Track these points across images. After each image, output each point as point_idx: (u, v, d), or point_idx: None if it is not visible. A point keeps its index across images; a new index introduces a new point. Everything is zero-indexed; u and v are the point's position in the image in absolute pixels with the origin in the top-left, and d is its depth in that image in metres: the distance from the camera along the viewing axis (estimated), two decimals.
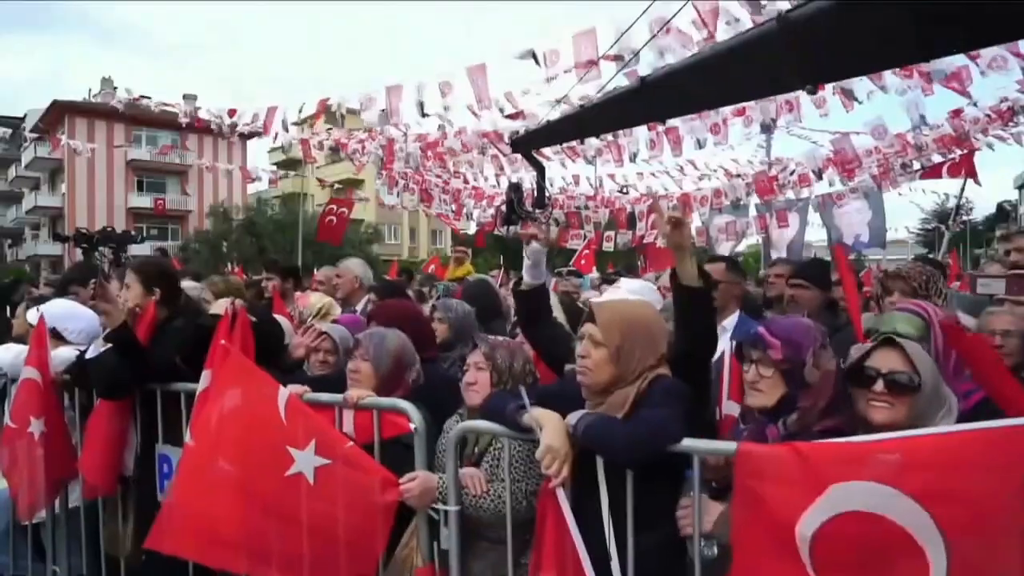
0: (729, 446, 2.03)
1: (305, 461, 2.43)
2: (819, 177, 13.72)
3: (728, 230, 16.88)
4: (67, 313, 4.19)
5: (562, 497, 2.16)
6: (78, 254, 11.12)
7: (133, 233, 11.86)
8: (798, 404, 2.16)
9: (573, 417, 2.19)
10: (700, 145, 10.21)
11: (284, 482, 2.46)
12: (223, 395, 2.76)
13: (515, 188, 7.02)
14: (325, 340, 3.72)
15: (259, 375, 2.63)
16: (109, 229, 11.23)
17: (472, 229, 19.99)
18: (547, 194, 7.68)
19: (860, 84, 9.33)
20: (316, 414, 2.55)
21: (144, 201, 44.92)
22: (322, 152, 14.16)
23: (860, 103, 9.24)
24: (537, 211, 7.22)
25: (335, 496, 2.42)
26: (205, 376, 2.90)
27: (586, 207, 17.17)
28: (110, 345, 3.37)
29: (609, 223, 17.57)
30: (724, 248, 17.86)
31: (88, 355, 3.51)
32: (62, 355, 3.95)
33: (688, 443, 2.08)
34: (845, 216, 15.57)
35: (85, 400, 3.87)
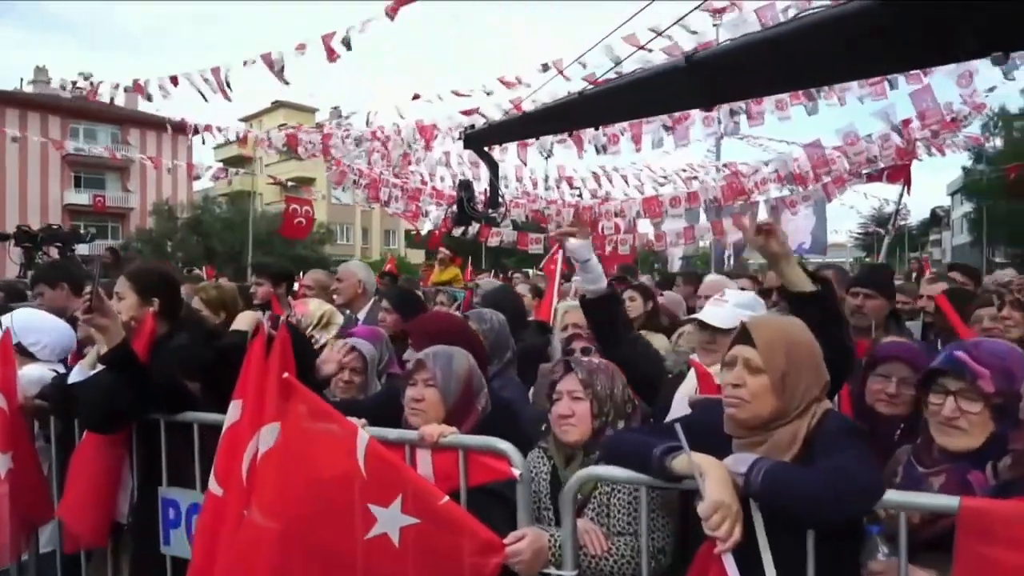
0: (950, 501, 1.61)
1: (389, 520, 1.90)
2: (789, 182, 13.74)
3: (686, 235, 16.89)
4: (35, 324, 3.52)
5: (730, 564, 1.70)
6: (18, 254, 10.09)
7: (82, 231, 10.82)
8: (1011, 445, 1.77)
9: (740, 463, 1.74)
10: (666, 129, 9.86)
11: (364, 546, 1.92)
12: (266, 433, 2.20)
13: (465, 187, 6.40)
14: (355, 356, 3.19)
15: (329, 414, 2.08)
16: (55, 227, 10.21)
17: (427, 228, 19.38)
18: (500, 193, 7.02)
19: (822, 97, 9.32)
20: (402, 461, 2.02)
21: (82, 198, 42.21)
22: (271, 148, 13.48)
23: (816, 99, 9.19)
24: (491, 211, 6.62)
25: (423, 561, 1.90)
26: (235, 408, 2.33)
27: (547, 208, 16.82)
28: (100, 367, 2.77)
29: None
30: (677, 252, 17.73)
31: (73, 377, 2.89)
32: (32, 375, 3.29)
33: (895, 497, 1.66)
34: (791, 223, 15.75)
35: (60, 429, 3.23)
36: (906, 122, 11.68)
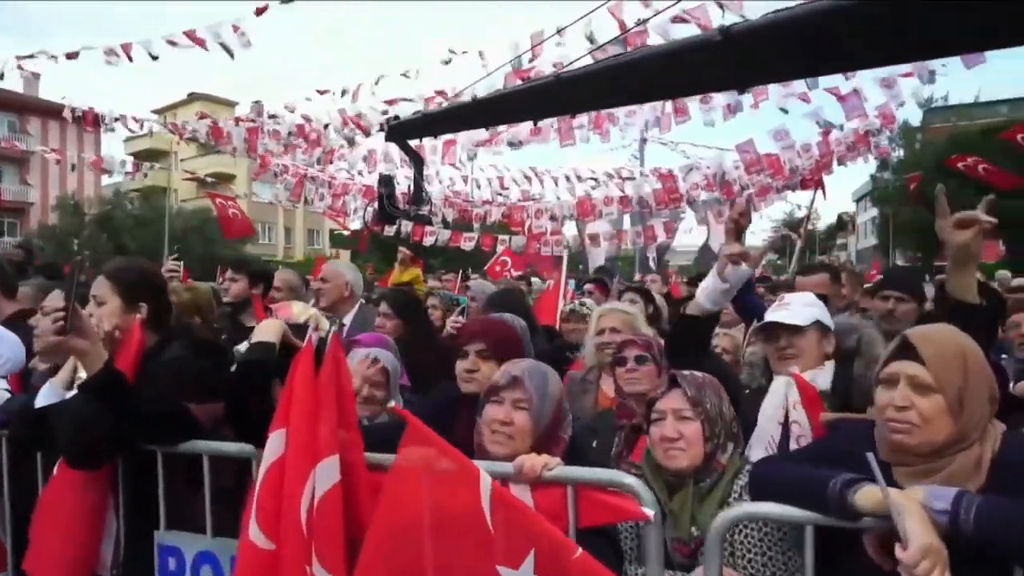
0: None
1: None
2: (720, 186, 13.92)
3: (619, 237, 16.99)
4: None
5: None
6: None
7: None
8: None
9: (937, 498, 1.46)
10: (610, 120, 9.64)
11: None
12: (323, 470, 1.76)
13: (385, 182, 5.88)
14: (377, 369, 2.76)
15: (445, 450, 1.65)
16: None
17: (355, 226, 18.62)
18: (424, 190, 6.45)
19: (747, 97, 9.55)
20: (530, 508, 1.63)
21: None
22: (189, 137, 12.62)
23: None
24: (413, 208, 6.13)
25: None
26: (276, 440, 1.87)
27: (479, 207, 16.49)
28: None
29: (503, 226, 16.92)
30: (599, 253, 17.72)
31: (42, 399, 2.32)
32: None
33: None
34: (714, 226, 16.15)
35: (13, 461, 2.65)
36: (825, 133, 12.17)
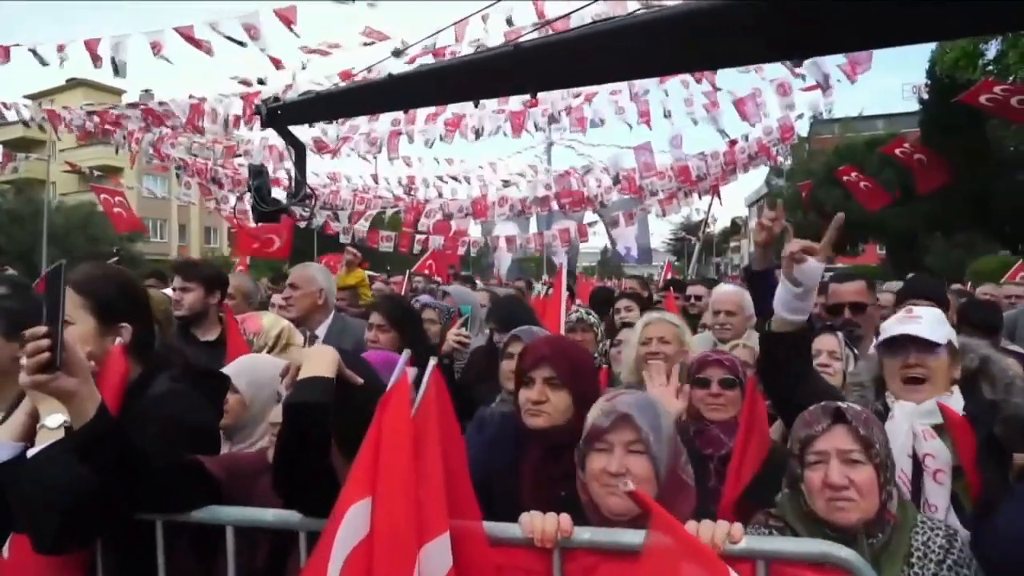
0: None
1: None
2: (620, 186, 13.99)
3: (536, 240, 16.81)
4: None
5: None
6: None
7: None
8: None
9: None
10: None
11: None
12: (431, 554, 1.29)
13: (256, 173, 5.17)
14: None
15: (689, 544, 1.19)
16: None
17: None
18: (306, 184, 5.64)
19: (656, 103, 9.67)
20: None
21: None
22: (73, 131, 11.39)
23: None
24: (293, 203, 5.43)
25: None
26: (359, 515, 1.36)
27: (395, 208, 15.94)
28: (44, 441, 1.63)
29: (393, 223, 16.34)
30: (506, 257, 17.42)
31: None
32: None
33: None
34: (617, 230, 16.33)
35: None
36: (733, 143, 12.54)
